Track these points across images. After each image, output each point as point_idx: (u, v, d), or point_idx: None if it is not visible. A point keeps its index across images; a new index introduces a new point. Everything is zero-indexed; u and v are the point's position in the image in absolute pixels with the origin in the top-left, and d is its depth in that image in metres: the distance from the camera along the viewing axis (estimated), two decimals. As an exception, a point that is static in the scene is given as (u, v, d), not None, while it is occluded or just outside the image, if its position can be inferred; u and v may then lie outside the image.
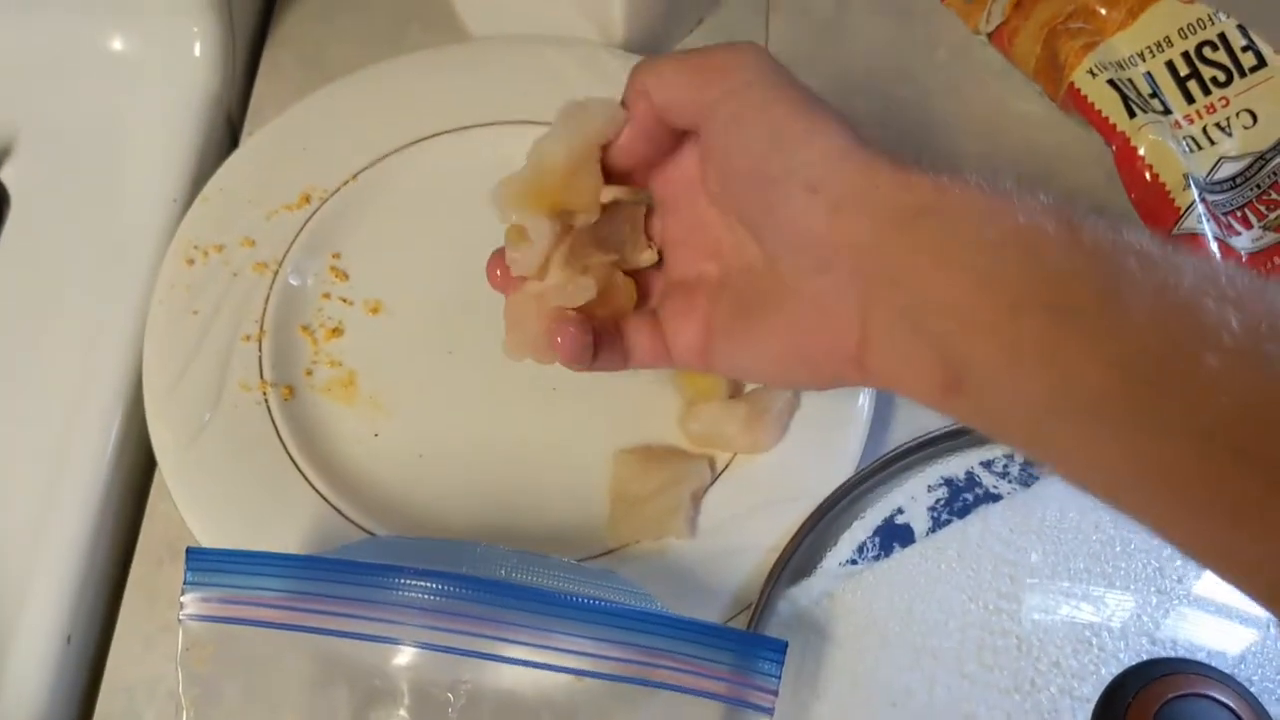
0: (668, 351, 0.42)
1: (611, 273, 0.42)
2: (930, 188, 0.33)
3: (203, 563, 0.40)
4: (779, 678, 0.39)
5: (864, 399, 0.49)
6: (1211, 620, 0.43)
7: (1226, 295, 0.28)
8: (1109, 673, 0.40)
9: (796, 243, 0.35)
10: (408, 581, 0.39)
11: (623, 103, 0.39)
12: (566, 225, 0.40)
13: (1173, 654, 0.42)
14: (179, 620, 0.39)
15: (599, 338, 0.41)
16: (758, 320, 0.38)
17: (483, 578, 0.39)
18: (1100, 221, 0.30)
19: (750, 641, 0.39)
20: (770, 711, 0.38)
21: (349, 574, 0.40)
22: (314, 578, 0.40)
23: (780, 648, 0.39)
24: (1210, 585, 0.44)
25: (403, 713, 0.39)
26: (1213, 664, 0.40)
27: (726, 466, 0.49)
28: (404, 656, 0.39)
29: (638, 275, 0.43)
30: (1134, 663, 0.41)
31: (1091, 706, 0.39)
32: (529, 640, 0.38)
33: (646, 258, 0.42)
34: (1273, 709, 0.38)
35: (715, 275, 0.41)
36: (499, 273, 0.42)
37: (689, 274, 0.42)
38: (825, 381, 0.39)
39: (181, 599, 0.39)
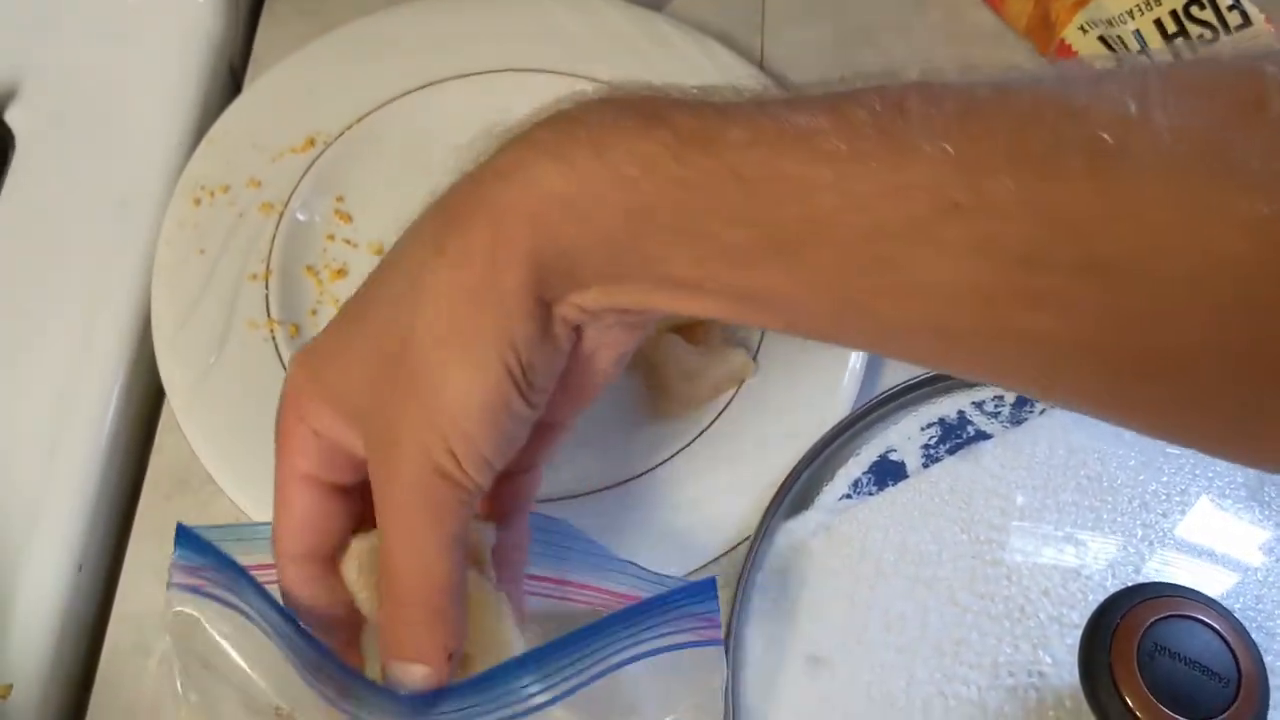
0: None
1: None
2: None
3: (191, 540, 0.38)
4: (718, 610, 0.36)
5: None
6: (1195, 551, 0.45)
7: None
8: (1096, 600, 0.41)
9: None
10: None
11: None
12: None
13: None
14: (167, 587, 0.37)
15: None
16: None
17: None
18: None
19: (681, 593, 0.35)
20: (719, 644, 0.36)
21: None
22: None
23: (709, 585, 0.36)
24: (1194, 520, 0.46)
25: None
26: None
27: (728, 405, 0.50)
28: None
29: None
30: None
31: (1079, 632, 0.40)
32: None
33: None
34: (1254, 633, 0.39)
35: None
36: None
37: None
38: None
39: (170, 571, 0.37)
